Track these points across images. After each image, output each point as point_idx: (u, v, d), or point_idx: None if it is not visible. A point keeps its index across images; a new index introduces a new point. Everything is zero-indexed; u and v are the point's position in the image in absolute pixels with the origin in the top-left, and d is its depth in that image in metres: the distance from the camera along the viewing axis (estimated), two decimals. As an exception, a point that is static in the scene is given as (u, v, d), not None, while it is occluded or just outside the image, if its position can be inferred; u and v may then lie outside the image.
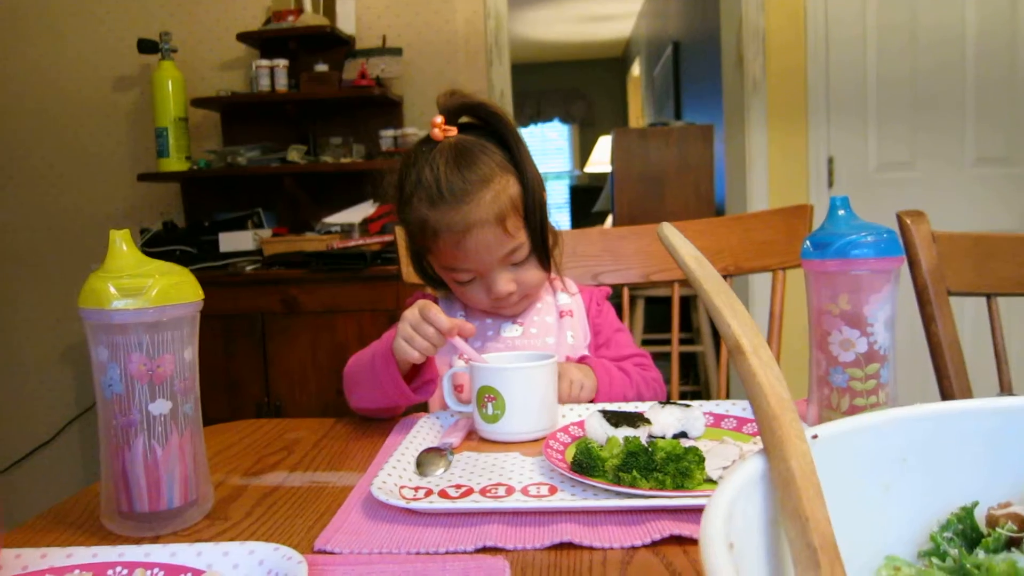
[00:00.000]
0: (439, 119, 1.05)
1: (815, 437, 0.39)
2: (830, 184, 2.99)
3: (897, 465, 0.41)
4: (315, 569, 0.58)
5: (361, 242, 2.50)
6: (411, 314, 0.91)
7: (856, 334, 0.79)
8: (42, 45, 3.08)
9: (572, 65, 8.69)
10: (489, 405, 0.87)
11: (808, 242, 0.82)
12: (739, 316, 0.42)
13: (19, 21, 3.08)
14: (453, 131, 1.05)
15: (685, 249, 0.49)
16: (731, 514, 0.33)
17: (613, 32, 7.68)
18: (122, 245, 0.69)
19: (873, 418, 0.42)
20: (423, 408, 1.14)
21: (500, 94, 2.96)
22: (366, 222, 2.62)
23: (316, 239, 2.59)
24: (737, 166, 3.17)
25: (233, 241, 2.63)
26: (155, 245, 2.72)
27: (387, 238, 2.53)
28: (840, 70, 2.97)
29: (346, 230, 2.63)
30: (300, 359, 2.44)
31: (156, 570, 0.58)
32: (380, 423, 1.02)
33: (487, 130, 1.07)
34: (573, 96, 8.79)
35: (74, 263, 3.07)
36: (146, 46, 2.73)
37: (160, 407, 0.67)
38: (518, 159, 1.04)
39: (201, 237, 2.76)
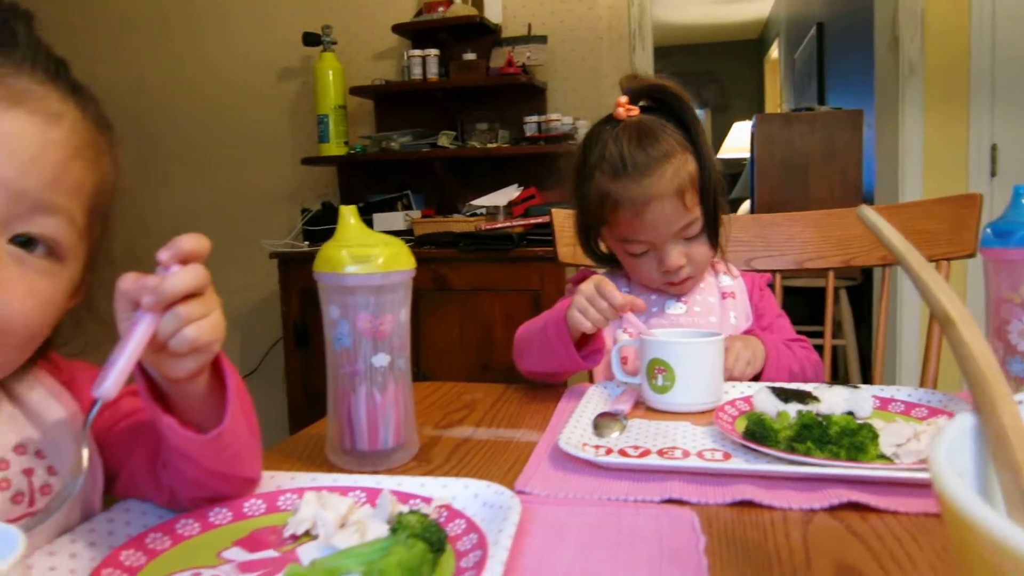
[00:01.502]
0: (623, 99, 1.11)
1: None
2: (993, 173, 2.84)
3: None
4: (523, 507, 0.65)
5: (506, 224, 2.60)
6: (587, 288, 0.98)
7: (1038, 321, 0.79)
8: (215, 41, 3.36)
9: (706, 48, 8.50)
10: (660, 376, 0.93)
11: (989, 230, 0.83)
12: (945, 290, 0.46)
13: (194, 20, 3.37)
14: (635, 111, 1.12)
15: (888, 229, 0.53)
16: (951, 460, 0.37)
17: (750, 13, 7.46)
18: (350, 219, 0.78)
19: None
20: (582, 378, 1.21)
21: (643, 80, 2.98)
22: (511, 205, 2.72)
23: (463, 220, 2.71)
24: (889, 153, 3.05)
25: (386, 221, 2.79)
26: (315, 224, 2.93)
27: (532, 221, 2.61)
28: (1007, 52, 2.80)
29: (491, 212, 2.74)
30: (448, 334, 2.57)
31: (386, 492, 0.67)
32: (549, 391, 1.10)
33: (666, 111, 1.12)
34: (706, 80, 8.60)
35: (243, 239, 3.33)
36: (310, 39, 2.93)
37: (381, 360, 0.77)
38: (695, 139, 1.10)
39: (356, 217, 2.93)
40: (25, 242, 0.53)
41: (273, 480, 0.69)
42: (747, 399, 0.92)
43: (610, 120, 1.14)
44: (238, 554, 0.57)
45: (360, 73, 3.12)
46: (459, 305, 2.56)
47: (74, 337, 0.65)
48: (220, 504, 0.64)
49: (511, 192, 2.74)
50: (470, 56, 2.86)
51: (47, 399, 0.62)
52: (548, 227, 2.55)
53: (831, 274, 1.44)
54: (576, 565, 0.56)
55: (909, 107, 2.90)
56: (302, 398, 2.81)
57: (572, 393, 1.06)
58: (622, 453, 0.79)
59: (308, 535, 0.60)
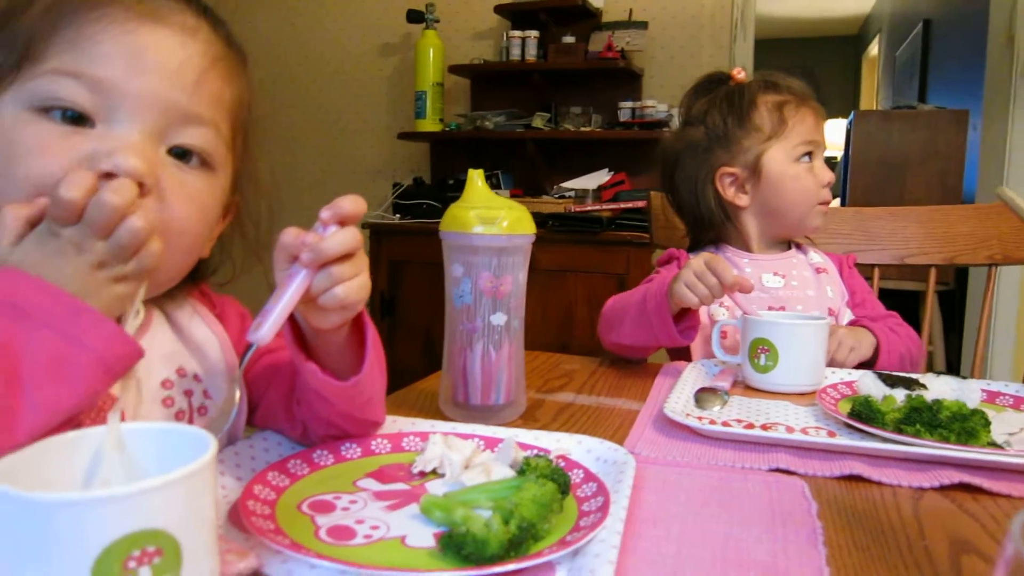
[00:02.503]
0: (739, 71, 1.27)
1: None
2: (1107, 180, 2.70)
3: None
4: (642, 469, 0.68)
5: (595, 207, 2.61)
6: (696, 263, 0.99)
7: None
8: (318, 16, 3.45)
9: (802, 43, 8.28)
10: (762, 356, 0.94)
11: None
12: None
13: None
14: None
15: (1030, 209, 0.53)
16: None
17: (850, 9, 7.23)
18: (478, 181, 0.82)
19: None
20: (660, 357, 1.23)
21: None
22: (600, 189, 2.73)
23: (551, 202, 2.74)
24: (995, 156, 2.94)
25: (476, 199, 2.84)
26: (406, 198, 3.00)
27: (621, 205, 2.62)
28: None
29: (580, 195, 2.76)
30: (530, 312, 2.59)
31: (499, 446, 0.71)
32: (645, 368, 1.12)
33: None
34: (801, 75, 8.37)
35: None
36: (414, 16, 2.99)
37: (498, 319, 0.81)
38: None
39: (446, 193, 3.00)
40: (181, 154, 0.58)
41: (395, 424, 0.74)
42: (849, 384, 0.92)
43: (718, 83, 1.30)
44: (371, 484, 0.62)
45: (459, 52, 3.17)
46: (543, 285, 2.59)
47: (222, 264, 0.70)
48: (350, 440, 0.68)
49: (601, 176, 2.76)
50: (569, 39, 2.87)
51: (202, 327, 0.68)
52: (638, 212, 2.56)
53: (933, 271, 1.42)
54: (690, 519, 0.58)
55: (1020, 109, 2.78)
56: (388, 366, 2.90)
57: (669, 370, 1.08)
58: (725, 424, 0.80)
59: (435, 473, 0.64)
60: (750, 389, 0.97)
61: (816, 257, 1.27)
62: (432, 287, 2.73)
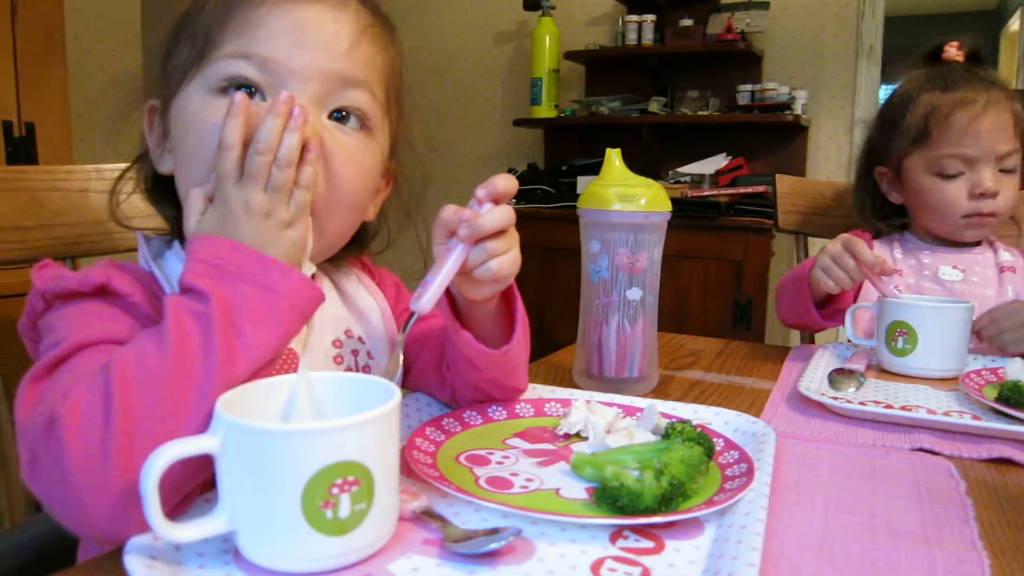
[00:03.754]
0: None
1: None
2: None
3: None
4: (779, 442, 0.69)
5: (712, 192, 2.58)
6: (833, 247, 0.98)
7: None
8: (438, 7, 3.53)
9: (934, 19, 7.81)
10: (900, 339, 0.92)
11: None
12: None
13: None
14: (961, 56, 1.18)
15: None
16: None
17: (991, -18, 6.77)
18: (615, 160, 0.84)
19: None
20: (829, 336, 1.21)
21: (869, 49, 2.83)
22: (717, 174, 2.69)
23: (667, 187, 2.72)
24: None
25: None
26: (520, 183, 3.03)
27: (740, 190, 2.57)
28: None
29: (696, 180, 2.73)
30: (645, 298, 2.60)
31: (639, 415, 0.73)
32: (773, 350, 1.11)
33: None
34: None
35: (452, 196, 3.52)
36: (530, 3, 3.02)
37: (634, 294, 0.83)
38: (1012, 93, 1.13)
39: (560, 179, 3.02)
40: (340, 117, 0.63)
41: (535, 391, 0.77)
42: (994, 371, 0.89)
43: (931, 60, 1.21)
44: (520, 443, 0.65)
45: (574, 38, 3.18)
46: (659, 270, 2.58)
47: (378, 231, 0.75)
48: (496, 403, 0.72)
49: (719, 161, 2.72)
50: (687, 22, 2.84)
51: (365, 295, 0.73)
52: (758, 197, 2.52)
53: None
54: (834, 490, 0.59)
55: None
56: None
57: (798, 353, 1.07)
58: (862, 404, 0.80)
59: (578, 436, 0.67)
60: (885, 372, 0.95)
61: (1006, 256, 1.18)
62: (546, 271, 2.77)
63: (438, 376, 0.73)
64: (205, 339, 0.48)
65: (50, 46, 1.35)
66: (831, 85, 2.89)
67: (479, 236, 0.59)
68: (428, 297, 0.59)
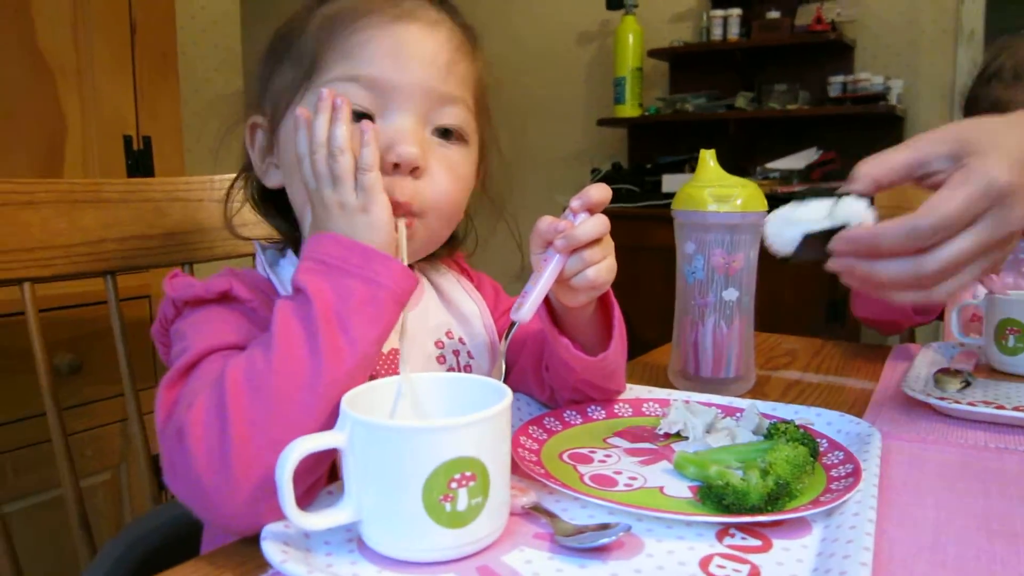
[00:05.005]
0: None
1: None
2: None
3: None
4: (884, 443, 0.68)
5: (803, 188, 2.52)
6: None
7: None
8: (522, 9, 3.56)
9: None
10: (1011, 337, 0.89)
11: None
12: None
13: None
14: None
15: None
16: None
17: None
18: (709, 161, 0.85)
19: None
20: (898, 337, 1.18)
21: (970, 34, 2.71)
22: (808, 168, 2.63)
23: (758, 184, 2.67)
24: None
25: (676, 182, 2.83)
26: (604, 183, 3.04)
27: (832, 185, 2.50)
28: None
29: (786, 176, 2.67)
30: (734, 296, 2.56)
31: (739, 415, 0.73)
32: (872, 350, 1.09)
33: None
34: None
35: (534, 197, 3.55)
36: (613, 3, 3.02)
37: (730, 295, 0.83)
38: None
39: (644, 178, 3.01)
40: (442, 132, 0.66)
41: (633, 391, 0.78)
42: (1116, 371, 0.85)
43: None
44: (621, 442, 0.67)
45: (657, 35, 3.16)
46: (748, 268, 2.54)
47: (468, 232, 0.78)
48: (595, 404, 0.74)
49: (810, 155, 2.65)
50: (774, 15, 2.78)
51: (461, 294, 0.76)
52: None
53: None
54: (945, 492, 0.58)
55: None
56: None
57: (900, 352, 1.05)
58: (971, 404, 0.78)
59: (678, 436, 0.68)
60: (995, 372, 0.92)
61: None
62: (632, 270, 2.75)
63: (537, 377, 0.75)
64: (311, 342, 0.51)
65: (164, 65, 1.44)
66: (929, 73, 2.78)
67: (575, 247, 0.60)
68: (528, 307, 0.61)
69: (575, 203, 0.62)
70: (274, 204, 0.72)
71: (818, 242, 0.59)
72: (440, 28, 0.66)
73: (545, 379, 0.74)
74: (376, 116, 0.63)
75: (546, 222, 0.62)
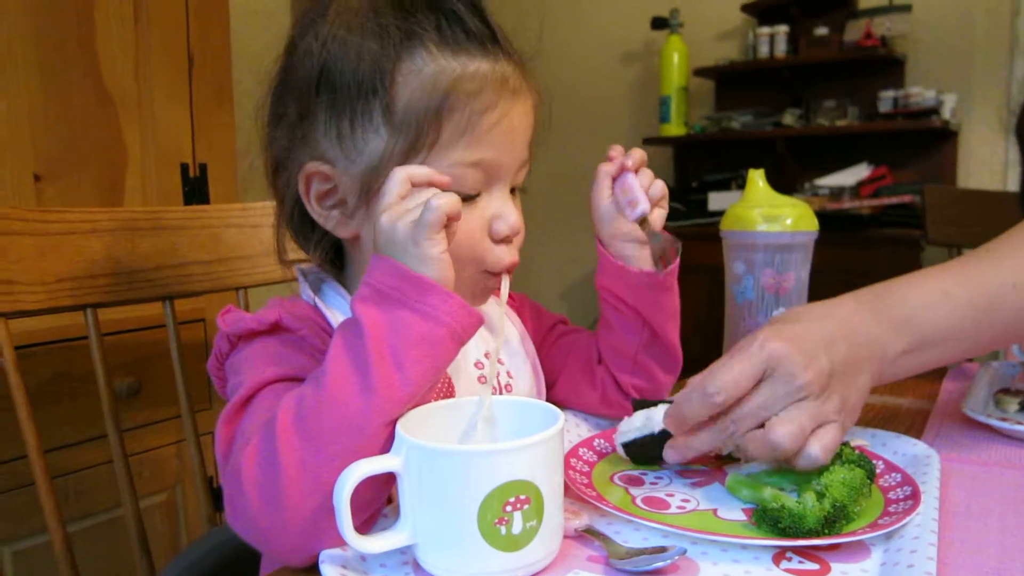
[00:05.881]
0: None
1: None
2: None
3: None
4: (943, 465, 0.66)
5: (854, 204, 2.48)
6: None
7: None
8: (564, 23, 3.59)
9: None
10: (1076, 357, 0.87)
11: None
12: None
13: (551, 6, 3.63)
14: None
15: None
16: None
17: None
18: (759, 181, 0.84)
19: None
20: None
21: (1026, 47, 2.64)
22: (859, 185, 2.59)
23: (806, 201, 2.64)
24: None
25: (722, 200, 2.81)
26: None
27: (884, 201, 2.46)
28: None
29: (835, 193, 2.63)
30: (784, 315, 2.53)
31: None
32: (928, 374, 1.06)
33: None
34: None
35: (576, 214, 3.56)
36: (658, 23, 3.02)
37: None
38: None
39: (689, 196, 2.99)
40: (512, 190, 0.67)
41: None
42: None
43: None
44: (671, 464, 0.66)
45: (702, 53, 3.15)
46: (798, 286, 2.50)
47: None
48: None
49: (860, 171, 2.61)
50: (822, 31, 2.76)
51: (500, 314, 0.77)
52: (904, 208, 2.40)
53: None
54: (1010, 516, 0.57)
55: None
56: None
57: (956, 373, 1.02)
58: (1035, 427, 0.76)
59: (730, 457, 0.67)
60: (1060, 393, 0.89)
61: None
62: (679, 289, 2.73)
63: (588, 376, 0.77)
64: (363, 380, 0.50)
65: (220, 94, 1.48)
66: (983, 86, 2.72)
67: (639, 165, 0.74)
68: (643, 200, 0.72)
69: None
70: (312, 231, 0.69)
71: (638, 447, 0.64)
72: (528, 96, 0.65)
73: (597, 376, 0.76)
74: (482, 193, 0.63)
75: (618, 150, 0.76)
